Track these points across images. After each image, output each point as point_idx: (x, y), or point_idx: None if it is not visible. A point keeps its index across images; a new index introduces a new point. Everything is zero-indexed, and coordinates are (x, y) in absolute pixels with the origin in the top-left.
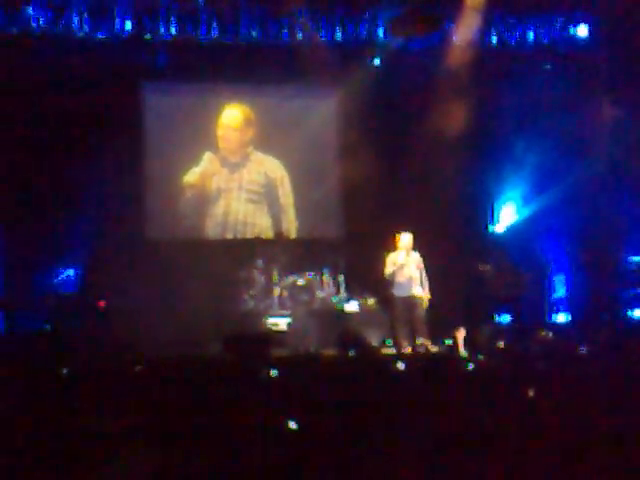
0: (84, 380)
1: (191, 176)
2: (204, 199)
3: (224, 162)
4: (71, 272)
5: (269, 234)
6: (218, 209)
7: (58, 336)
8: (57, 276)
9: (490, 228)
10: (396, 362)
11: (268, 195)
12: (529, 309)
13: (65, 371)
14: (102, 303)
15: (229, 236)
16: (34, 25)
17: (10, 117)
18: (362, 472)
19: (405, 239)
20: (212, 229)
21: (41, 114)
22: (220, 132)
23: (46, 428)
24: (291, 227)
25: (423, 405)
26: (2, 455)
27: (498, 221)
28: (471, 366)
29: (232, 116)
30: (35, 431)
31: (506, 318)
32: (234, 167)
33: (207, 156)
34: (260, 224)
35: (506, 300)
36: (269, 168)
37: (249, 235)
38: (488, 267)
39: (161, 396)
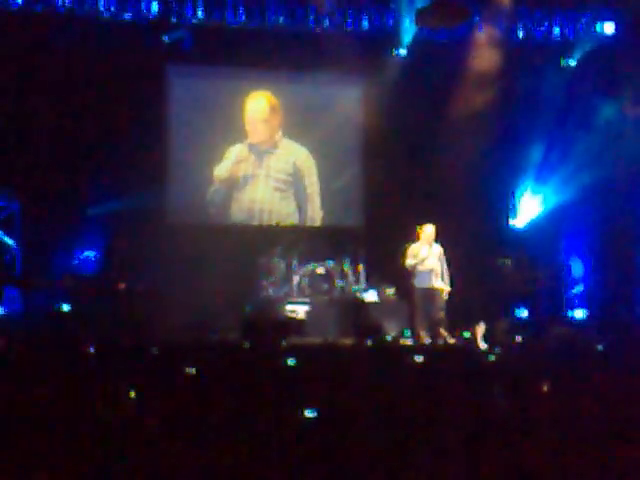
0: (110, 359)
1: (221, 170)
2: (231, 187)
3: (252, 149)
4: (90, 254)
5: (294, 222)
6: (244, 196)
7: (76, 316)
8: (76, 257)
9: (510, 223)
10: (413, 356)
11: (295, 184)
12: (547, 304)
13: (92, 350)
14: (122, 285)
15: (254, 224)
16: (59, 4)
17: (31, 97)
18: (378, 461)
19: (429, 231)
20: (237, 216)
21: (63, 95)
22: (248, 126)
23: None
24: (316, 216)
25: (440, 396)
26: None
27: (519, 216)
28: (492, 358)
29: (257, 107)
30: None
31: (524, 312)
32: (262, 154)
33: (235, 147)
34: (286, 212)
35: (524, 295)
36: (298, 157)
37: (274, 223)
38: (507, 262)
39: (176, 380)
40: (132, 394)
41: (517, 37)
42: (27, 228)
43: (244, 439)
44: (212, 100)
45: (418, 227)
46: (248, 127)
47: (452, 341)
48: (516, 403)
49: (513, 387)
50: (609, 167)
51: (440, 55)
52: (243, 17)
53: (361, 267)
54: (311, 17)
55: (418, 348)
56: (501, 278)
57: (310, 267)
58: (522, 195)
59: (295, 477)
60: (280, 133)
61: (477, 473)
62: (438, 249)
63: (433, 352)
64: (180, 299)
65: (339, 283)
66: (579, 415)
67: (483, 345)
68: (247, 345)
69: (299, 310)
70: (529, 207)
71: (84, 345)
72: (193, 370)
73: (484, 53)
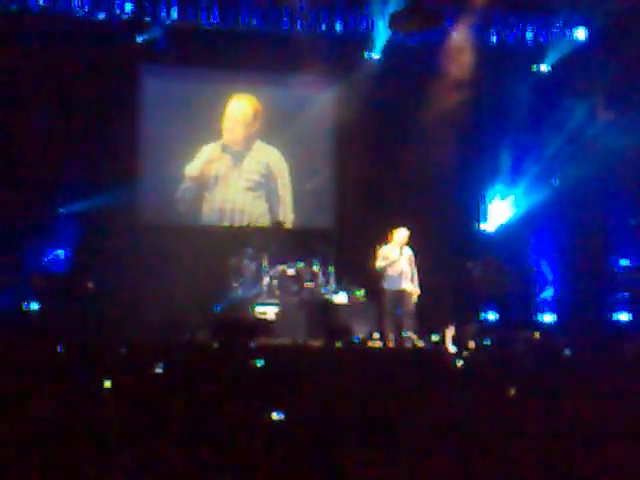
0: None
1: (192, 169)
2: (202, 186)
3: (225, 149)
4: (60, 252)
5: (265, 223)
6: (215, 195)
7: (45, 316)
8: (46, 256)
9: (481, 227)
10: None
11: (267, 185)
12: (516, 308)
13: (60, 349)
14: (91, 284)
15: (225, 224)
16: (33, 4)
17: (2, 96)
18: (346, 463)
19: (401, 234)
20: (208, 216)
21: (36, 94)
22: (227, 124)
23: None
24: (287, 218)
25: (409, 398)
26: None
27: (489, 220)
28: (460, 362)
29: (241, 109)
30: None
31: (493, 316)
32: (236, 155)
33: (208, 147)
34: (257, 213)
35: (493, 299)
36: (271, 159)
37: (245, 224)
38: (475, 265)
39: (144, 380)
40: (107, 384)
41: (490, 42)
42: None
43: (211, 440)
44: (185, 100)
45: (392, 230)
46: (226, 127)
47: (420, 344)
48: (483, 407)
49: (480, 391)
50: (580, 171)
51: (413, 59)
52: (217, 18)
53: (331, 269)
54: (285, 19)
55: (386, 350)
56: (470, 282)
57: (280, 268)
58: (493, 199)
59: (261, 478)
60: (256, 138)
61: (443, 475)
62: (408, 252)
63: (401, 354)
64: (149, 299)
65: (309, 284)
66: (546, 419)
67: (452, 348)
68: (216, 345)
69: (268, 311)
70: (499, 211)
71: (52, 344)
72: (160, 368)
73: (457, 57)
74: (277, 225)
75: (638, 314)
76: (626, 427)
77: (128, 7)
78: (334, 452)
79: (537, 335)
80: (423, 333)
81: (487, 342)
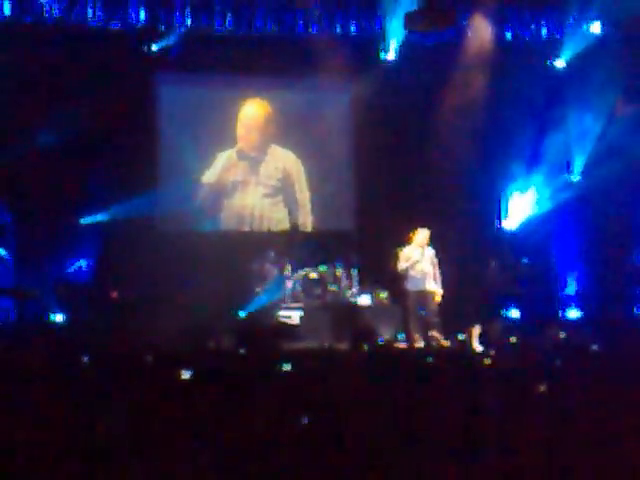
0: (103, 369)
1: (210, 176)
2: (220, 193)
3: (242, 155)
4: (83, 263)
5: (285, 228)
6: (234, 202)
7: (69, 326)
8: (69, 266)
9: (502, 224)
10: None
11: (285, 189)
12: (541, 305)
13: (85, 359)
14: (114, 294)
15: (245, 230)
16: (47, 15)
17: (21, 109)
18: (374, 468)
19: (422, 234)
20: (227, 222)
21: (53, 104)
22: (241, 130)
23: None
24: (307, 221)
25: (436, 399)
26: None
27: (510, 217)
28: (488, 361)
29: (253, 114)
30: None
31: (517, 313)
32: (252, 161)
33: (224, 153)
34: (277, 218)
35: (517, 296)
36: (287, 163)
37: (265, 229)
38: (493, 263)
39: (172, 388)
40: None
41: (505, 38)
42: (20, 238)
43: (241, 445)
44: (201, 107)
45: (413, 230)
46: (241, 133)
47: (446, 344)
48: (511, 404)
49: (508, 388)
50: (599, 166)
51: (429, 58)
52: (231, 24)
53: (354, 271)
54: (299, 23)
55: (412, 351)
56: (494, 280)
57: (303, 272)
58: (513, 196)
59: None
60: (271, 142)
61: (472, 475)
62: (430, 252)
63: (427, 355)
64: (173, 306)
65: (332, 288)
66: (575, 416)
67: (479, 347)
68: (242, 351)
69: (293, 315)
70: (521, 208)
71: (78, 354)
72: (188, 374)
73: (473, 56)
74: (293, 228)
75: None
76: None
77: (142, 16)
78: (363, 455)
79: (562, 332)
80: (448, 333)
81: (513, 340)
